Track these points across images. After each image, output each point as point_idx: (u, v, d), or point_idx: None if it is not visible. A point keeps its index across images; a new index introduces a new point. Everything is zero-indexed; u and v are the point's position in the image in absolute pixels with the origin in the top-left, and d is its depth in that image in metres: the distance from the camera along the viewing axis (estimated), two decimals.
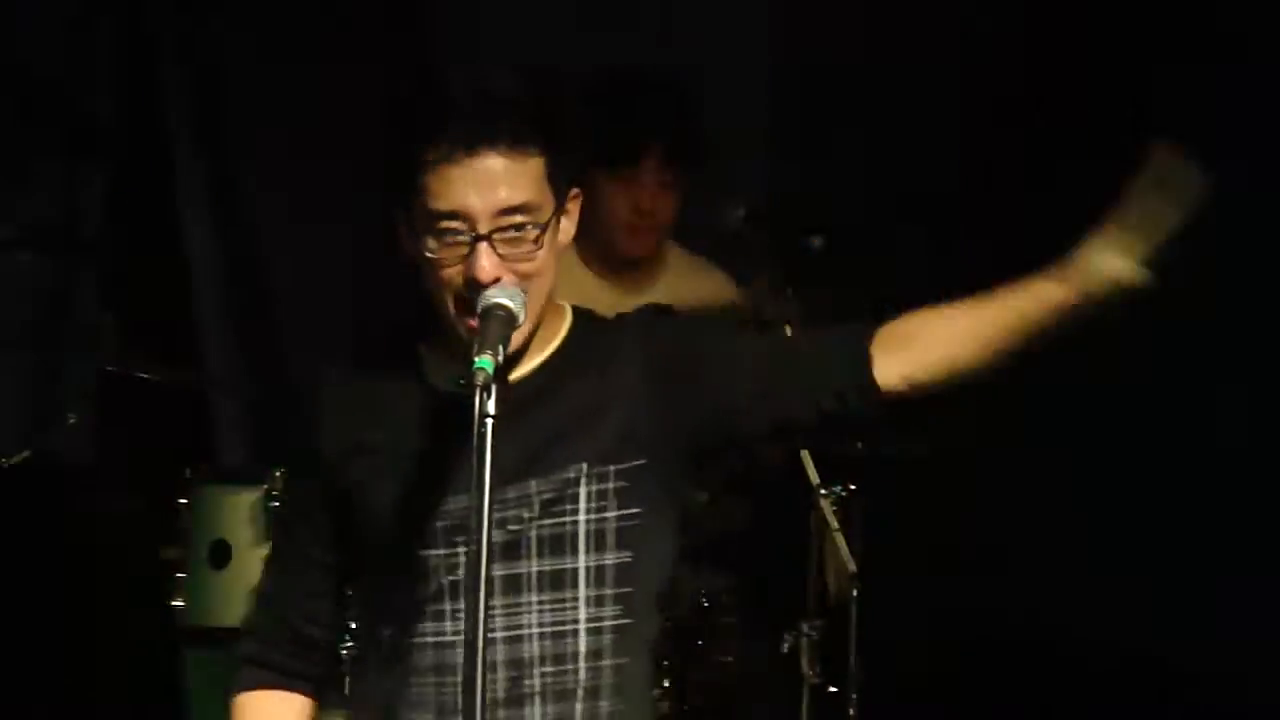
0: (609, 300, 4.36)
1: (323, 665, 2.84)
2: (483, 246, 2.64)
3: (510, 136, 2.65)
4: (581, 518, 2.71)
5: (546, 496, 2.68)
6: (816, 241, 4.09)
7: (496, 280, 2.64)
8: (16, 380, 4.75)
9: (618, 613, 2.73)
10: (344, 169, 5.04)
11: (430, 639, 2.72)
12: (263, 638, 2.81)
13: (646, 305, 3.07)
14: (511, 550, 2.68)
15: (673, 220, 4.33)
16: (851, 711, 3.87)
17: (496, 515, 2.63)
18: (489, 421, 2.46)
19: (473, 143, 2.65)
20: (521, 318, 2.64)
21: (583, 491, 2.71)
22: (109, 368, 4.04)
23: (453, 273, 2.66)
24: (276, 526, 2.95)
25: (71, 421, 4.12)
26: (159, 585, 4.09)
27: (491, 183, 2.65)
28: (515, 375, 2.68)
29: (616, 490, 2.72)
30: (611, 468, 2.71)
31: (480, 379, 2.48)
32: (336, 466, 2.76)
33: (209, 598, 4.00)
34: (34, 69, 4.42)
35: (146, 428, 4.57)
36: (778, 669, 4.00)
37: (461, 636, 2.68)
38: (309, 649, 2.81)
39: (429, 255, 2.66)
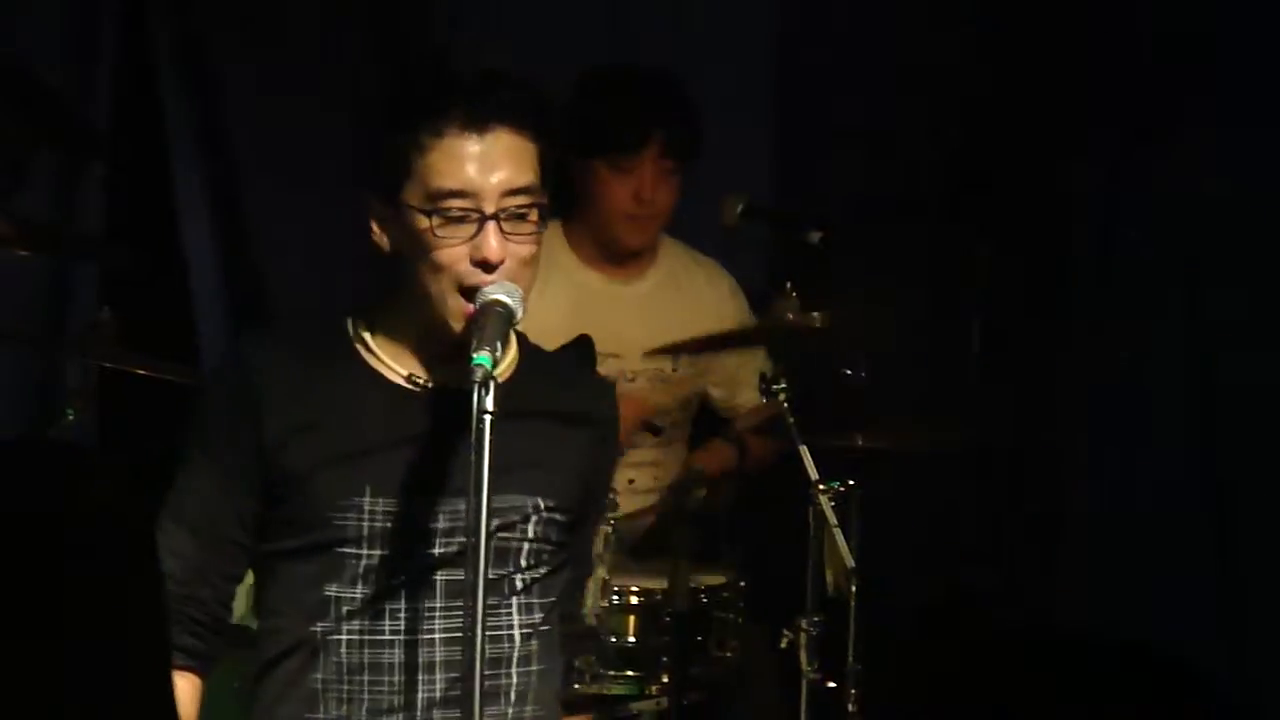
0: (603, 292, 4.38)
1: (222, 645, 2.85)
2: (491, 226, 2.64)
3: (516, 116, 2.67)
4: (527, 543, 2.78)
5: (498, 521, 2.70)
6: (815, 237, 4.09)
7: (503, 261, 2.64)
8: (14, 377, 4.74)
9: (543, 619, 2.80)
10: (343, 167, 5.04)
11: (366, 636, 2.72)
12: (176, 620, 2.78)
13: (594, 372, 3.27)
14: (458, 559, 2.70)
15: (671, 210, 4.34)
16: (850, 707, 3.86)
17: (447, 524, 2.66)
18: (487, 418, 2.47)
19: (484, 119, 2.65)
20: (519, 315, 2.64)
21: (532, 520, 2.77)
22: (107, 365, 4.03)
23: (455, 254, 2.65)
24: (187, 489, 2.83)
25: (70, 418, 4.10)
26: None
27: (500, 161, 2.66)
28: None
29: (559, 524, 2.81)
30: (560, 507, 2.80)
31: (479, 375, 2.48)
32: (272, 451, 2.74)
33: None
34: (33, 68, 4.41)
35: (144, 424, 4.56)
36: (776, 664, 4.00)
37: (399, 636, 2.69)
38: (217, 631, 2.81)
39: (432, 235, 2.64)
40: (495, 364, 2.52)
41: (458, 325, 2.66)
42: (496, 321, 2.60)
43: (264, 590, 2.82)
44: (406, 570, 2.71)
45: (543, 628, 2.81)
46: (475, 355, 2.51)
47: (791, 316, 3.91)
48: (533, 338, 2.92)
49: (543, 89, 2.76)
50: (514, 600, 2.77)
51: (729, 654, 4.10)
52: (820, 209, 4.42)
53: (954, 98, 4.87)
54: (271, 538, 2.77)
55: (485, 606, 2.46)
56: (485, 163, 2.65)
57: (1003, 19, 4.85)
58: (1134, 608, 4.74)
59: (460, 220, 2.65)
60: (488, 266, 2.65)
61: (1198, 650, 4.58)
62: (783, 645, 3.90)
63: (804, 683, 3.83)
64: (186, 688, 2.78)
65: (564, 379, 2.90)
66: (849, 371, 3.93)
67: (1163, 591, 4.70)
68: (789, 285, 3.91)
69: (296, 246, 4.98)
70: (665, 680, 4.00)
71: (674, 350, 4.22)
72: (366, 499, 2.70)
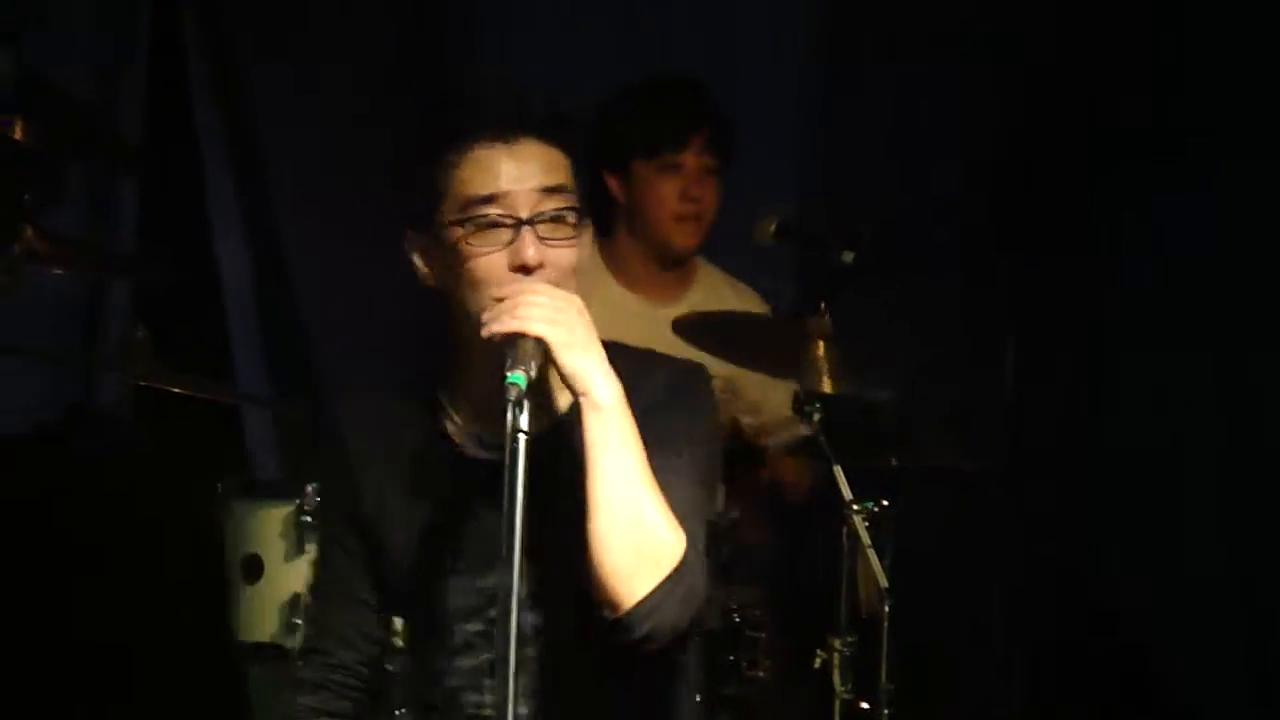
0: (641, 314, 4.38)
1: (364, 697, 2.83)
2: (527, 230, 2.60)
3: (542, 127, 2.65)
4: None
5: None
6: (848, 257, 4.09)
7: (541, 266, 2.61)
8: (50, 394, 4.76)
9: None
10: (375, 186, 5.05)
11: (466, 709, 2.70)
12: (324, 689, 2.79)
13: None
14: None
15: (715, 212, 4.37)
16: None
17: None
18: (521, 437, 2.45)
19: (510, 130, 2.64)
20: (560, 348, 2.56)
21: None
22: (142, 382, 4.04)
23: (491, 262, 2.61)
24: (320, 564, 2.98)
25: (106, 434, 4.13)
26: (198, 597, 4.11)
27: (529, 165, 2.63)
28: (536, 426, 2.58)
29: None
30: None
31: (513, 394, 2.45)
32: (367, 523, 2.75)
33: (241, 612, 4.00)
34: (67, 84, 4.43)
35: (179, 441, 4.59)
36: (809, 684, 3.98)
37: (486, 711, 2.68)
38: (363, 690, 2.80)
39: (466, 245, 2.61)
40: (530, 383, 2.49)
41: (498, 341, 2.60)
42: (530, 344, 2.55)
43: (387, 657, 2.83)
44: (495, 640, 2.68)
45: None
46: (509, 375, 2.48)
47: (824, 337, 3.90)
48: None
49: (568, 105, 2.74)
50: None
51: (761, 673, 4.09)
52: (852, 228, 4.40)
53: (988, 113, 4.86)
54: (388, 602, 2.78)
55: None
56: (515, 167, 2.63)
57: (1037, 33, 4.84)
58: (1161, 623, 4.73)
59: (494, 226, 2.61)
60: (526, 272, 2.61)
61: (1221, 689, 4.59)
62: (815, 665, 3.89)
63: (836, 703, 3.82)
64: None
65: (644, 380, 2.72)
66: (880, 396, 3.92)
67: (1191, 611, 4.68)
68: (822, 305, 3.91)
69: (330, 261, 4.99)
70: (697, 699, 3.99)
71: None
72: (450, 577, 2.69)
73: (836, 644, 3.87)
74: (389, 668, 2.78)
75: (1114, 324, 4.84)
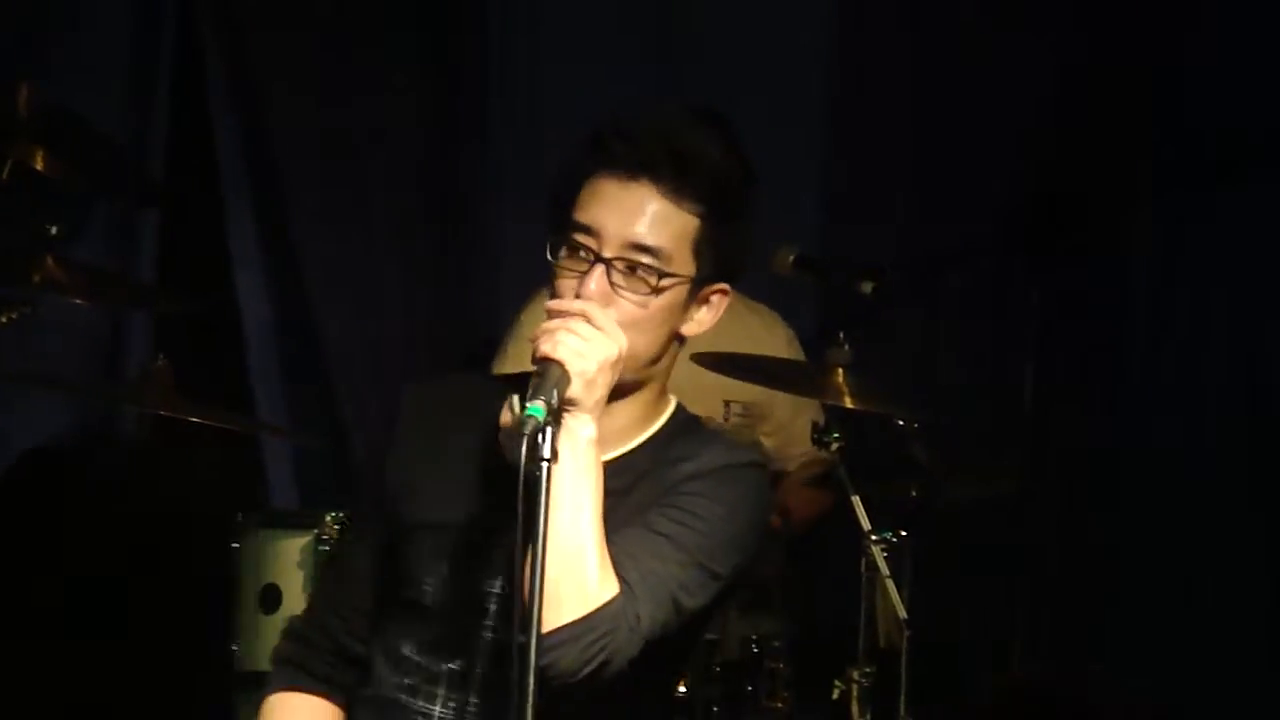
0: None
1: (356, 679, 2.80)
2: (599, 268, 2.60)
3: (674, 181, 2.61)
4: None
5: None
6: (867, 287, 4.09)
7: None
8: (71, 424, 4.77)
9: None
10: (395, 215, 5.07)
11: (419, 705, 2.69)
12: (303, 641, 2.80)
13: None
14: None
15: None
16: None
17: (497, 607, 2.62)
18: (545, 465, 2.45)
19: (633, 169, 2.61)
20: (574, 377, 2.56)
21: None
22: (162, 412, 4.05)
23: (565, 285, 2.61)
24: (340, 535, 2.99)
25: (125, 465, 4.14)
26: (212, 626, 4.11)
27: (634, 213, 2.61)
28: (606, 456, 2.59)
29: None
30: None
31: (529, 427, 2.45)
32: (389, 501, 2.74)
33: (260, 642, 4.00)
34: (90, 117, 4.45)
35: (198, 472, 4.60)
36: (827, 716, 3.98)
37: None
38: (346, 661, 2.79)
39: (551, 259, 2.62)
40: (549, 414, 2.49)
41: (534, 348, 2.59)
42: (553, 374, 2.56)
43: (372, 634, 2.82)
44: (460, 649, 2.67)
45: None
46: (529, 406, 2.49)
47: (844, 366, 3.90)
48: None
49: (733, 169, 2.66)
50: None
51: (779, 704, 4.09)
52: (871, 258, 4.41)
53: (1010, 145, 4.87)
54: (388, 582, 2.76)
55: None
56: (618, 207, 2.61)
57: (1061, 64, 4.85)
58: (1179, 662, 4.71)
59: (578, 252, 2.61)
60: None
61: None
62: (834, 696, 3.88)
63: None
64: (308, 710, 2.78)
65: (693, 458, 2.69)
66: (901, 423, 3.92)
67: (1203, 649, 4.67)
68: (841, 335, 3.91)
69: (348, 292, 5.01)
70: None
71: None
72: (446, 568, 2.68)
73: (855, 675, 3.87)
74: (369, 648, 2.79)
75: (1137, 351, 4.83)
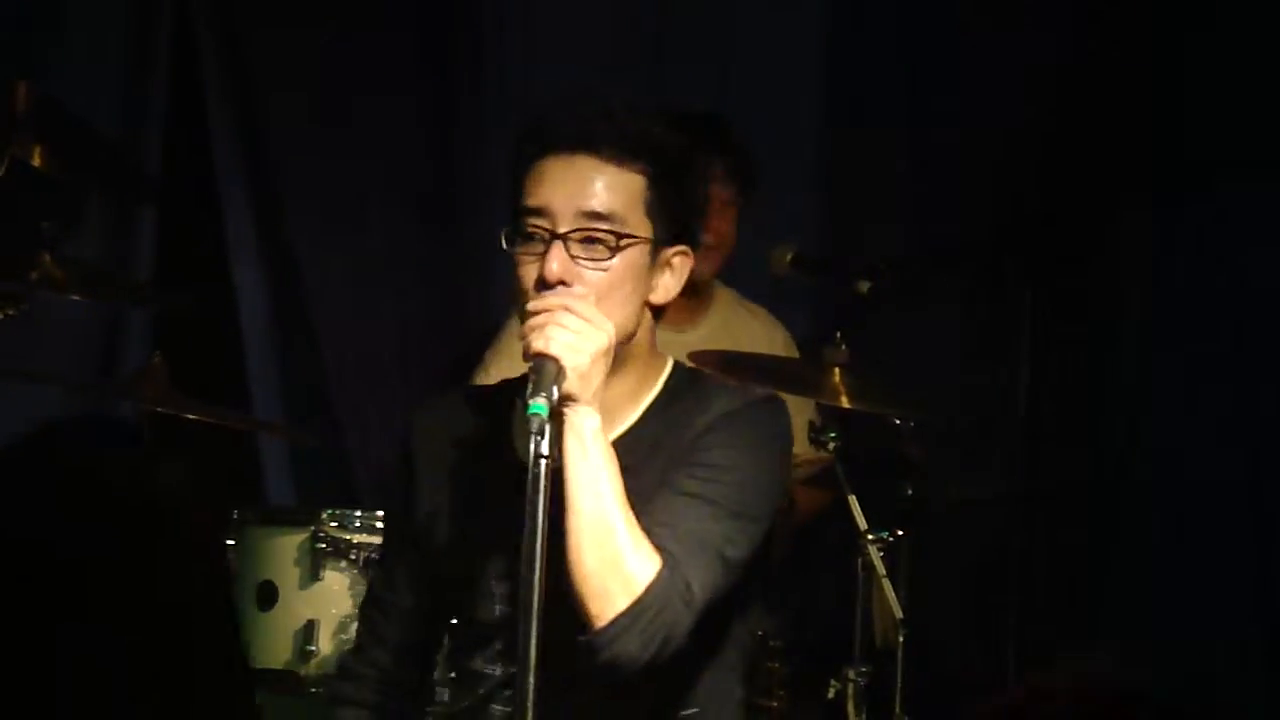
0: (659, 338, 4.38)
1: (415, 703, 2.86)
2: (556, 245, 2.61)
3: (615, 147, 2.64)
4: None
5: None
6: (864, 286, 4.09)
7: (562, 282, 2.61)
8: (66, 419, 4.76)
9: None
10: (392, 213, 5.07)
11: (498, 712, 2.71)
12: (355, 678, 2.84)
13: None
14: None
15: (732, 243, 4.36)
16: None
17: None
18: (543, 463, 2.46)
19: (573, 144, 2.64)
20: (569, 371, 2.57)
21: None
22: (158, 409, 4.05)
23: (526, 273, 2.63)
24: (374, 565, 3.05)
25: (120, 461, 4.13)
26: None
27: (579, 185, 2.63)
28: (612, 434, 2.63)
29: None
30: None
31: (535, 425, 2.47)
32: (424, 526, 2.77)
33: (255, 639, 4.00)
34: (85, 113, 4.45)
35: (194, 468, 4.58)
36: (823, 715, 3.98)
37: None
38: (398, 691, 2.82)
39: (515, 253, 2.63)
40: (552, 409, 2.50)
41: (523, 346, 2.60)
42: (550, 368, 2.57)
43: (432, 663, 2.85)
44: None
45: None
46: (531, 404, 2.49)
47: (840, 366, 3.90)
48: None
49: (667, 128, 2.70)
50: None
51: (775, 703, 4.09)
52: (868, 257, 4.41)
53: (1006, 146, 4.87)
54: (438, 609, 2.81)
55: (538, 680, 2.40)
56: (563, 183, 2.63)
57: (1057, 66, 4.85)
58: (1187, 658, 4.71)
59: (533, 238, 2.63)
60: (545, 285, 2.61)
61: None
62: (830, 695, 3.88)
63: None
64: None
65: (701, 412, 2.71)
66: (898, 423, 3.92)
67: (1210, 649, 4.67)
68: (838, 335, 3.91)
69: (345, 290, 5.01)
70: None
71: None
72: (493, 581, 2.70)
73: (851, 674, 3.87)
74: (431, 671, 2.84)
75: (1132, 352, 4.83)
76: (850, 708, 3.85)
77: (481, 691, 2.72)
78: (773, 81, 4.99)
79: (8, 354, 4.22)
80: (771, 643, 4.08)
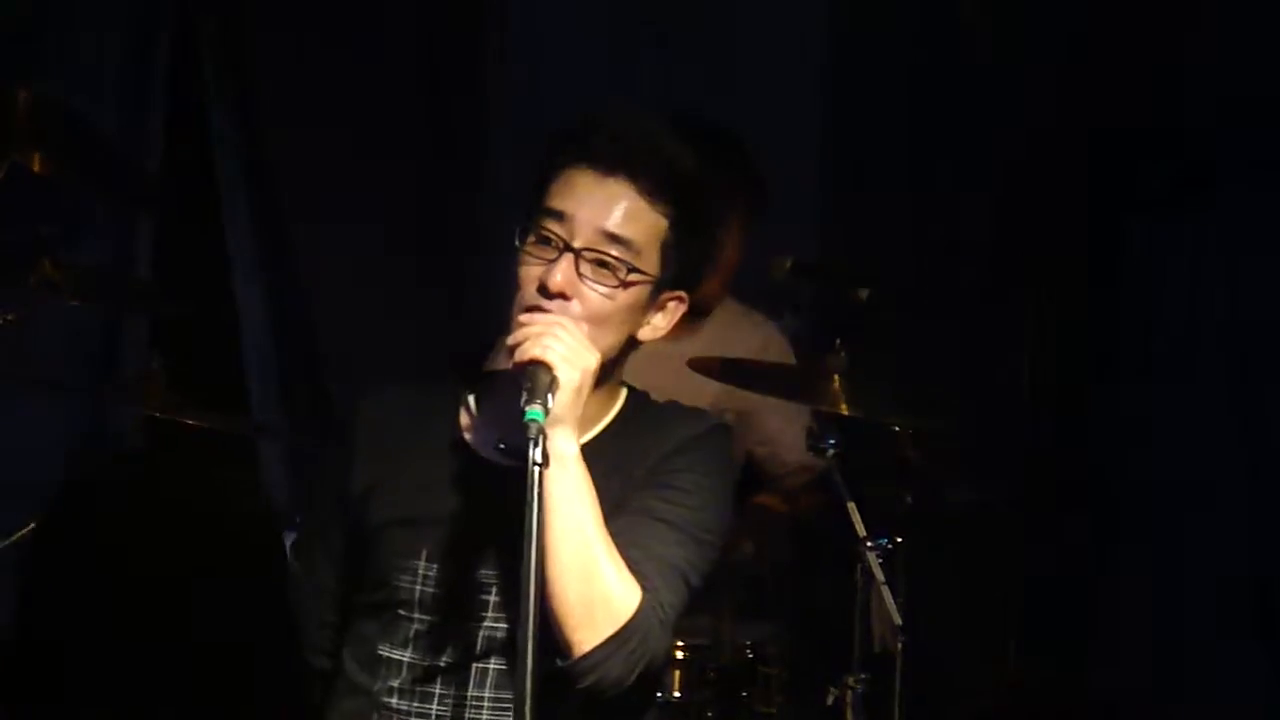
0: (653, 350, 4.37)
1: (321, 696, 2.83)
2: (567, 257, 2.60)
3: (650, 181, 2.63)
4: None
5: None
6: (863, 294, 4.09)
7: (564, 296, 2.61)
8: (65, 426, 4.77)
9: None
10: (393, 215, 5.08)
11: (414, 705, 2.70)
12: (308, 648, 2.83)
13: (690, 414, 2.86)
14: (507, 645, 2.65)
15: (738, 261, 4.36)
16: None
17: (499, 599, 2.64)
18: (538, 470, 2.46)
19: (612, 165, 2.63)
20: (562, 384, 2.56)
21: None
22: (157, 414, 4.05)
23: (532, 273, 2.61)
24: (294, 550, 3.05)
25: (119, 466, 4.14)
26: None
27: (607, 205, 2.62)
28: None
29: None
30: None
31: (533, 430, 2.47)
32: (355, 502, 2.75)
33: None
34: (86, 117, 4.45)
35: (193, 473, 4.59)
36: None
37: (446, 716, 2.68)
38: (316, 677, 2.82)
39: (519, 246, 2.62)
40: (548, 416, 2.50)
41: (511, 345, 2.60)
42: (544, 375, 2.55)
43: (344, 642, 2.82)
44: (454, 644, 2.69)
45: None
46: (527, 410, 2.49)
47: (840, 372, 3.90)
48: None
49: (707, 180, 2.69)
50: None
51: (774, 710, 4.09)
52: (868, 265, 4.42)
53: (1005, 146, 4.88)
54: (354, 590, 2.78)
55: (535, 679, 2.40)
56: (590, 198, 2.62)
57: (1060, 64, 4.85)
58: (1177, 665, 4.71)
59: (547, 241, 2.62)
60: (545, 293, 2.60)
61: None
62: (829, 702, 3.89)
63: None
64: None
65: (659, 435, 2.74)
66: (897, 429, 3.92)
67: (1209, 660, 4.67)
68: (838, 342, 3.91)
69: (345, 293, 5.01)
70: None
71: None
72: (422, 563, 2.69)
73: (850, 681, 3.88)
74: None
75: (1132, 354, 4.84)
76: (849, 714, 3.85)
77: (392, 684, 2.69)
78: (774, 81, 5.00)
79: (7, 359, 4.23)
80: (770, 649, 4.08)
